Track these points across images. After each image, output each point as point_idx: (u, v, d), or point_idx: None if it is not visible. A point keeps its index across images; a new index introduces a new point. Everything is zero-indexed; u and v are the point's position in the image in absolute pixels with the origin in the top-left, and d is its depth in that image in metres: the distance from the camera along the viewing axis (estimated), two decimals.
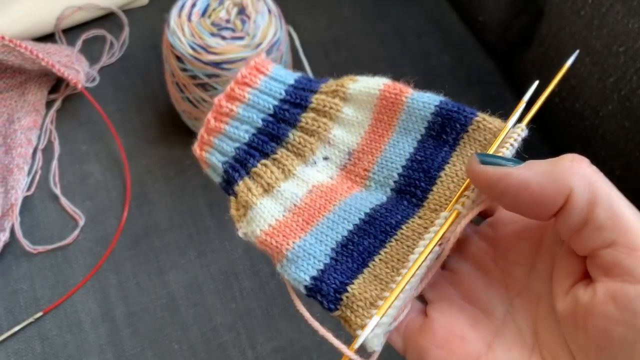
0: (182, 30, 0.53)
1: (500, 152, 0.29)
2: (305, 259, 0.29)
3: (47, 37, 0.64)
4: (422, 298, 0.30)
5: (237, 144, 0.33)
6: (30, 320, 0.51)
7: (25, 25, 0.62)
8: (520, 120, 0.30)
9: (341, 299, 0.28)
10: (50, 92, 0.62)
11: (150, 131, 0.61)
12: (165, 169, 0.59)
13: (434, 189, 0.31)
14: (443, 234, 0.28)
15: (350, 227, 0.30)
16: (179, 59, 0.53)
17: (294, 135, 0.33)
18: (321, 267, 0.29)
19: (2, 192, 0.56)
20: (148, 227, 0.56)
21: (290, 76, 0.34)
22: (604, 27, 0.52)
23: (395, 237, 0.30)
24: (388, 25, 0.68)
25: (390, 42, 0.67)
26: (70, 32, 0.65)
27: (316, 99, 0.33)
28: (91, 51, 0.64)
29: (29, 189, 0.57)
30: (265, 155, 0.33)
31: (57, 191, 0.57)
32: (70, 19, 0.65)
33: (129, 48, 0.65)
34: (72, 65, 0.60)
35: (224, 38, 0.53)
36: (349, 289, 0.28)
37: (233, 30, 0.54)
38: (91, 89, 0.61)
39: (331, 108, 0.33)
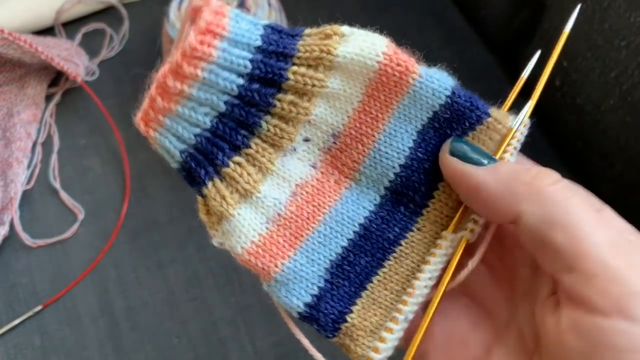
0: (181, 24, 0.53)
1: (505, 157, 0.27)
2: (297, 282, 0.26)
3: (47, 31, 0.64)
4: None
5: (196, 130, 0.26)
6: (30, 314, 0.51)
7: (24, 18, 0.62)
8: (517, 109, 0.29)
9: (340, 328, 0.26)
10: (50, 85, 0.62)
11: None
12: (165, 163, 0.58)
13: (435, 195, 0.28)
14: (450, 267, 0.26)
15: (345, 243, 0.27)
16: None
17: (267, 124, 0.26)
18: (315, 291, 0.26)
19: (1, 185, 0.56)
20: (147, 221, 0.56)
21: (255, 31, 0.26)
22: (606, 21, 0.52)
23: (394, 254, 0.27)
24: (389, 19, 0.68)
25: (391, 36, 0.67)
26: (70, 26, 0.65)
27: (294, 74, 0.25)
28: (91, 45, 0.64)
29: (28, 182, 0.57)
30: (236, 148, 0.26)
31: (57, 185, 0.57)
32: (70, 13, 0.64)
33: (128, 42, 0.65)
34: (72, 59, 0.60)
35: None
36: (348, 318, 0.26)
37: None
38: (91, 82, 0.61)
39: (313, 86, 0.26)
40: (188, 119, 0.26)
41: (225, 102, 0.25)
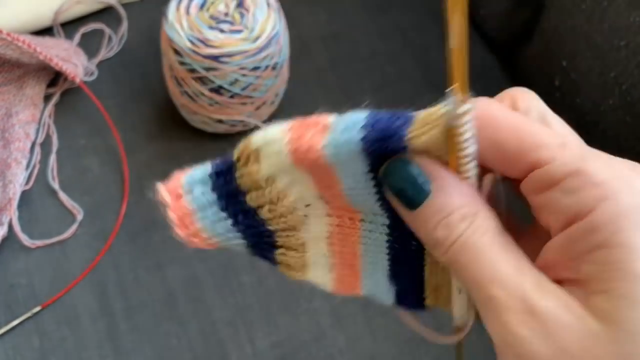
0: (180, 24, 0.53)
1: (464, 172, 0.23)
2: (380, 295, 0.29)
3: (45, 31, 0.64)
4: None
5: (231, 234, 0.27)
6: (29, 314, 0.51)
7: (23, 19, 0.62)
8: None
9: (425, 305, 0.29)
10: (49, 86, 0.62)
11: (148, 125, 0.61)
12: (164, 164, 0.58)
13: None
14: None
15: (387, 257, 0.28)
16: (177, 52, 0.53)
17: (273, 227, 0.27)
18: (392, 299, 0.29)
19: (0, 186, 0.56)
20: (146, 221, 0.55)
21: (207, 190, 0.27)
22: (605, 21, 0.52)
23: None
24: (388, 19, 0.68)
25: (390, 36, 0.67)
26: (69, 26, 0.65)
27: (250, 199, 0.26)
28: (89, 45, 0.64)
29: (27, 183, 0.56)
30: (271, 244, 0.28)
31: (56, 185, 0.57)
32: (69, 13, 0.64)
33: (127, 42, 0.65)
34: (71, 59, 0.60)
35: (222, 31, 0.53)
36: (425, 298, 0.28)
37: (231, 23, 0.54)
38: (89, 83, 0.61)
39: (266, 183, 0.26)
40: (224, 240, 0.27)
41: (233, 235, 0.27)
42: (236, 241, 0.27)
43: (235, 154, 0.26)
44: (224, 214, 0.27)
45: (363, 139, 0.23)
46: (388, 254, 0.28)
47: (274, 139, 0.24)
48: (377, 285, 0.29)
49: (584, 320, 0.20)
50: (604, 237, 0.20)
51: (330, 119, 0.23)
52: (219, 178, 0.27)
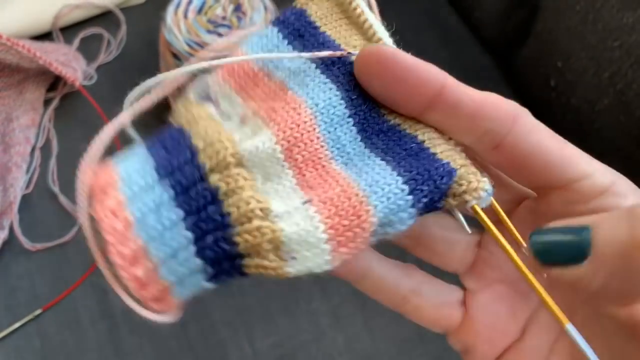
0: (178, 28, 0.53)
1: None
2: (392, 197, 0.23)
3: (45, 36, 0.64)
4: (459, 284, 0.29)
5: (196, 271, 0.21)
6: (30, 317, 0.51)
7: (22, 24, 0.62)
8: None
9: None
10: (48, 90, 0.62)
11: (147, 129, 0.61)
12: None
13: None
14: None
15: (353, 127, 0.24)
16: (175, 56, 0.54)
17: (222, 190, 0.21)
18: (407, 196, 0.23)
19: (1, 190, 0.56)
20: None
21: (149, 174, 0.22)
22: (599, 21, 0.52)
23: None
24: (385, 21, 0.68)
25: None
26: (68, 31, 0.65)
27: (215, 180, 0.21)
28: (89, 49, 0.64)
29: (27, 187, 0.57)
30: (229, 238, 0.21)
31: (56, 189, 0.57)
32: (68, 18, 0.65)
33: (126, 46, 0.65)
34: (70, 64, 0.60)
35: (220, 35, 0.53)
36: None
37: (229, 27, 0.54)
38: (89, 87, 0.62)
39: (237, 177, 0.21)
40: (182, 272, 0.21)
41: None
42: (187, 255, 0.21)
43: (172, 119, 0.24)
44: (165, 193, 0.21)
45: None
46: (356, 129, 0.23)
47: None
48: (377, 180, 0.22)
49: None
50: None
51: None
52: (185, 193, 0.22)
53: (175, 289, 0.21)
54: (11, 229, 0.54)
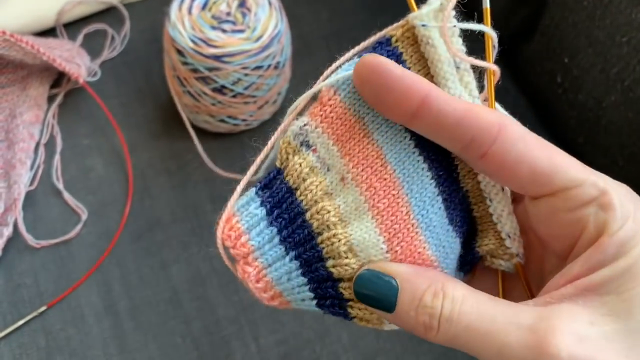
0: (182, 24, 0.53)
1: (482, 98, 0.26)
2: (448, 248, 0.28)
3: (48, 32, 0.64)
4: None
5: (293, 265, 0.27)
6: (34, 314, 0.51)
7: (26, 20, 0.62)
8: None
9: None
10: (52, 86, 0.62)
11: (151, 125, 0.61)
12: (167, 163, 0.59)
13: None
14: None
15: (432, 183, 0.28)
16: (179, 52, 0.53)
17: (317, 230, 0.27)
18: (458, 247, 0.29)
19: (5, 187, 0.56)
20: (150, 221, 0.56)
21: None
22: (607, 17, 0.52)
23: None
24: (389, 17, 0.68)
25: None
26: (71, 27, 0.65)
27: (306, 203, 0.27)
28: (92, 45, 0.64)
29: (31, 183, 0.57)
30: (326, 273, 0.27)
31: (60, 186, 0.57)
32: (71, 13, 0.65)
33: (130, 42, 0.65)
34: (74, 60, 0.60)
35: (224, 31, 0.53)
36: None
37: (234, 23, 0.54)
38: (93, 83, 0.61)
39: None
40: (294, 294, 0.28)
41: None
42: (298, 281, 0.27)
43: (278, 161, 0.28)
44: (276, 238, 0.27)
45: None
46: (444, 206, 0.27)
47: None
48: (439, 232, 0.27)
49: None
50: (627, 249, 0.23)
51: None
52: (266, 190, 0.28)
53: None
54: (15, 226, 0.54)
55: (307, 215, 0.27)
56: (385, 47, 0.27)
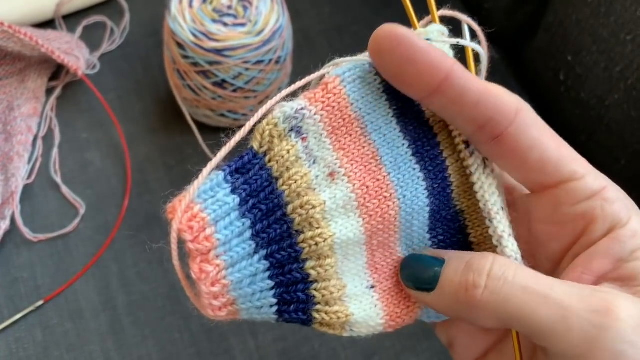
0: (183, 17, 0.53)
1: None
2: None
3: (47, 24, 0.64)
4: None
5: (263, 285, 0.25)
6: (31, 308, 0.51)
7: (24, 11, 0.62)
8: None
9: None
10: (51, 79, 0.61)
11: (150, 119, 0.60)
12: (166, 157, 0.58)
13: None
14: None
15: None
16: (180, 45, 0.53)
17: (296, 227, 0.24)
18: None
19: (2, 180, 0.55)
20: (149, 215, 0.55)
21: (224, 187, 0.25)
22: (611, 14, 0.51)
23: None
24: (392, 12, 0.67)
25: None
26: (71, 19, 0.65)
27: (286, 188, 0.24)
28: (91, 38, 0.64)
29: (29, 177, 0.56)
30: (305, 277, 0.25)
31: (58, 179, 0.56)
32: (70, 5, 0.64)
33: (129, 35, 0.65)
34: (72, 52, 0.59)
35: (225, 25, 0.52)
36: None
37: (235, 16, 0.53)
38: (91, 76, 0.61)
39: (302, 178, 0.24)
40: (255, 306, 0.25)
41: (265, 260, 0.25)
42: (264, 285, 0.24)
43: (255, 143, 0.25)
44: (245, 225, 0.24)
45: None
46: (429, 221, 0.26)
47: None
48: (414, 241, 0.27)
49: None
50: None
51: None
52: (238, 175, 0.25)
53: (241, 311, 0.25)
54: (13, 220, 0.54)
55: (289, 208, 0.24)
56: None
